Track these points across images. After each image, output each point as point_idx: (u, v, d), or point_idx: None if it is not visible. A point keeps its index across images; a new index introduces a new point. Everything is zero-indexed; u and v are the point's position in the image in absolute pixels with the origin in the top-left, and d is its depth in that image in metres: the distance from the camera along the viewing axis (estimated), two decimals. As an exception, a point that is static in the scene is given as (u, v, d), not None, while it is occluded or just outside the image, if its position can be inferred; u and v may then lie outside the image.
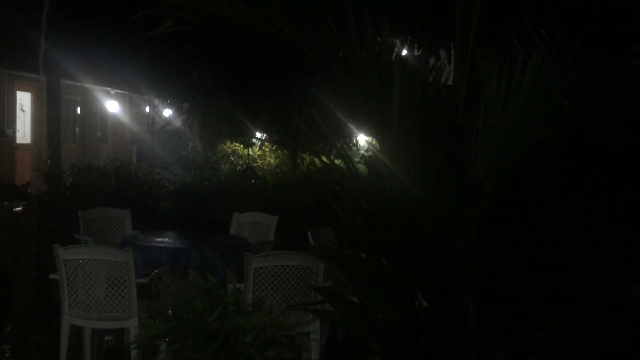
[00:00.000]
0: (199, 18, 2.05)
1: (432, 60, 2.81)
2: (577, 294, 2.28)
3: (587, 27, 2.49)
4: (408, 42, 3.06)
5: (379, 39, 2.42)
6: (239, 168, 12.36)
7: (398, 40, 3.04)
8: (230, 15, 2.00)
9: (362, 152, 11.20)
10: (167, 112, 15.49)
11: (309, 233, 5.27)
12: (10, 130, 12.31)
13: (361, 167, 2.71)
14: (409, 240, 2.25)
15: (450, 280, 2.30)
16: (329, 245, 4.87)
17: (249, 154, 12.82)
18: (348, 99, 2.51)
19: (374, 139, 2.77)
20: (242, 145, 12.94)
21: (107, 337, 5.41)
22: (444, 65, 2.56)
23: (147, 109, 18.02)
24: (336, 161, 2.74)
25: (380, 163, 2.47)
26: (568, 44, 2.42)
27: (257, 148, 13.03)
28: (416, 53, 2.96)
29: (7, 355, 4.38)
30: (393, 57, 2.39)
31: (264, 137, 12.84)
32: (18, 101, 12.83)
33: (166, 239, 5.50)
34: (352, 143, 11.58)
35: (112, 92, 16.26)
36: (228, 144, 13.02)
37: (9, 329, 4.32)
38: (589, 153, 2.39)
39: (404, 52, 3.06)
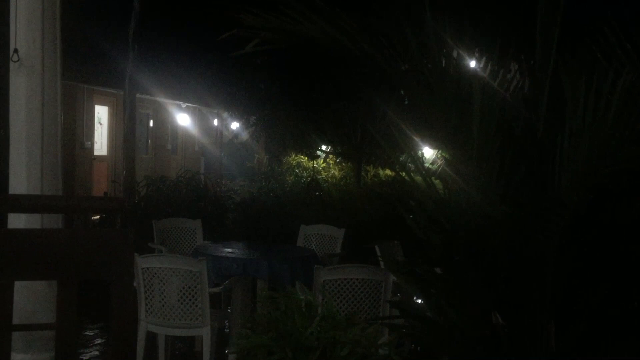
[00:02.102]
0: (282, 37, 2.12)
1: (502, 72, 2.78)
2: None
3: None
4: (476, 54, 3.05)
5: (457, 54, 2.42)
6: (303, 180, 12.48)
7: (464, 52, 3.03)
8: (312, 34, 2.07)
9: (427, 164, 11.11)
10: (235, 125, 15.88)
11: (376, 247, 5.25)
12: (89, 143, 12.94)
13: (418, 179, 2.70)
14: (486, 256, 2.23)
15: (529, 297, 2.26)
16: (399, 259, 4.85)
17: (313, 167, 12.94)
18: (425, 114, 2.52)
19: (449, 154, 2.76)
20: (306, 158, 13.08)
21: (178, 344, 5.56)
22: (521, 83, 2.53)
23: (216, 122, 18.52)
24: (403, 174, 2.74)
25: (453, 178, 2.46)
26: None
27: (322, 160, 13.13)
28: (482, 64, 2.93)
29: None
30: (471, 72, 2.38)
31: (328, 150, 12.93)
32: (96, 114, 13.48)
33: (236, 249, 5.61)
34: (418, 156, 11.50)
35: (183, 105, 16.82)
36: (293, 156, 13.20)
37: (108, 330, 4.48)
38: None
39: (472, 64, 3.04)
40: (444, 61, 2.27)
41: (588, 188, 1.94)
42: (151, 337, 4.69)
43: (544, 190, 2.08)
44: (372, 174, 11.76)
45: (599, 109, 1.83)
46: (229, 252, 5.40)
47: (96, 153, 13.39)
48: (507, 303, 2.34)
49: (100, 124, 13.80)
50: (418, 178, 2.64)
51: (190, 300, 4.41)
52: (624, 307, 2.13)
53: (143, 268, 4.40)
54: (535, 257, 2.11)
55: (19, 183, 3.17)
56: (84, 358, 4.93)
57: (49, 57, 3.10)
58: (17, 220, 2.88)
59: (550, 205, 2.00)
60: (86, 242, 1.37)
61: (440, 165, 2.73)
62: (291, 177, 12.70)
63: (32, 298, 3.11)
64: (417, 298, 4.57)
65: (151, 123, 16.18)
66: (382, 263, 5.03)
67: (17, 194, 2.95)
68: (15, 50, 3.16)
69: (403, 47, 2.24)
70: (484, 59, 2.60)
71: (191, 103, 16.94)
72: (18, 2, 3.13)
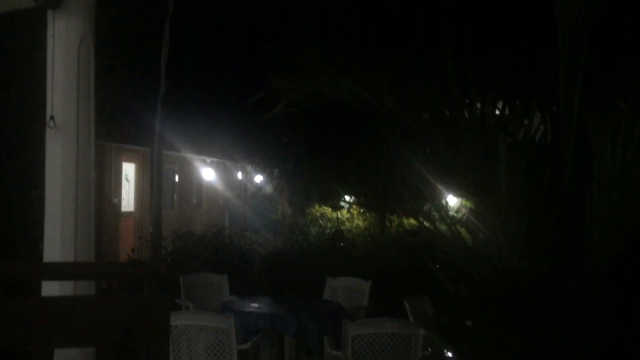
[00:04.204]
0: (309, 98, 2.18)
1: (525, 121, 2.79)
2: None
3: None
4: (500, 103, 3.07)
5: (479, 105, 2.45)
6: (327, 231, 12.46)
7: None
8: (339, 94, 2.12)
9: (451, 213, 11.00)
10: (259, 178, 16.03)
11: (405, 302, 5.17)
12: (116, 199, 13.15)
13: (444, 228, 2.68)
14: (520, 310, 2.19)
15: (566, 350, 2.21)
16: (428, 313, 4.77)
17: (337, 217, 12.92)
18: (449, 165, 2.53)
19: (474, 204, 2.75)
20: (330, 209, 13.08)
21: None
22: (546, 132, 2.54)
23: (240, 176, 18.73)
24: (427, 224, 2.73)
25: (482, 230, 2.45)
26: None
27: (346, 211, 13.11)
28: (507, 113, 2.94)
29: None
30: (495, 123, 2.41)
31: (351, 200, 12.93)
32: (123, 171, 13.75)
33: (263, 304, 5.60)
34: (442, 204, 11.42)
35: (208, 160, 17.08)
36: (317, 207, 13.21)
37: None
38: None
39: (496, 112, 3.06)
40: (467, 112, 2.30)
41: (622, 240, 1.91)
42: (179, 396, 4.63)
43: (575, 242, 2.06)
44: (396, 223, 11.69)
45: (627, 161, 1.82)
46: (256, 308, 5.38)
47: (123, 209, 13.57)
48: (542, 357, 2.28)
49: (128, 181, 14.04)
50: (443, 227, 2.63)
51: (218, 357, 4.38)
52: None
53: (171, 326, 4.40)
54: (570, 310, 2.07)
55: (53, 247, 3.25)
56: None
57: (83, 123, 3.21)
58: (50, 286, 2.94)
59: (583, 258, 1.97)
60: (123, 308, 1.39)
61: (465, 214, 2.72)
62: (315, 228, 12.69)
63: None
64: (448, 352, 4.47)
65: (177, 178, 16.41)
66: (411, 316, 4.95)
67: (53, 262, 3.00)
68: (52, 117, 3.28)
69: (427, 100, 2.28)
70: (507, 108, 2.62)
71: (216, 157, 17.19)
72: (55, 69, 3.28)
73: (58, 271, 1.52)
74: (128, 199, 14.02)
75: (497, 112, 2.67)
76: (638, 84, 2.16)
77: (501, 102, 2.59)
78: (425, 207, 11.32)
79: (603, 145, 1.93)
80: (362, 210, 12.71)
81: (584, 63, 2.29)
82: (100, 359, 1.32)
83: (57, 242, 3.18)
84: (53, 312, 1.23)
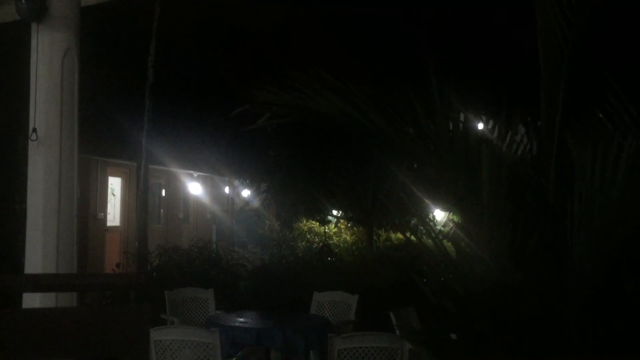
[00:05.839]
0: (294, 111, 2.19)
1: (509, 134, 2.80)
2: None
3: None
4: (483, 117, 3.10)
5: (464, 117, 2.47)
6: (315, 246, 12.43)
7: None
8: (323, 108, 2.13)
9: (439, 227, 11.03)
10: (246, 193, 15.99)
11: (391, 314, 5.17)
12: (102, 214, 13.04)
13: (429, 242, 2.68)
14: (505, 324, 2.20)
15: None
16: (415, 326, 4.76)
17: (325, 232, 12.90)
18: (434, 179, 2.54)
19: (460, 217, 2.76)
20: (318, 223, 13.06)
21: (191, 419, 5.41)
22: (529, 146, 2.56)
23: (227, 190, 18.67)
24: (413, 238, 2.74)
25: (467, 244, 2.46)
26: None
27: (333, 225, 13.10)
28: (490, 127, 2.96)
29: None
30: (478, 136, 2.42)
31: (339, 215, 12.93)
32: (109, 186, 13.64)
33: (249, 319, 5.56)
34: (429, 218, 11.47)
35: (195, 174, 17.02)
36: (304, 221, 13.17)
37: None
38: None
39: (480, 126, 3.08)
40: (451, 125, 2.31)
41: (604, 255, 1.91)
42: (163, 413, 4.57)
43: (559, 257, 2.07)
44: (384, 237, 11.70)
45: (606, 175, 1.84)
46: (242, 322, 5.34)
47: (109, 224, 13.45)
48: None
49: (114, 195, 13.93)
50: (429, 241, 2.64)
51: (203, 373, 4.32)
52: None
53: (155, 341, 4.35)
54: (556, 325, 2.08)
55: (35, 260, 3.21)
56: None
57: (66, 136, 3.20)
58: (31, 298, 2.90)
59: (566, 274, 1.98)
60: (102, 320, 1.38)
61: (452, 227, 2.74)
62: (303, 243, 12.66)
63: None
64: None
65: (163, 192, 16.32)
66: (397, 330, 4.94)
67: (34, 273, 2.97)
68: (34, 130, 3.26)
69: (411, 116, 2.29)
70: (491, 121, 2.64)
71: (203, 172, 17.13)
72: (38, 82, 3.26)
73: (38, 282, 1.50)
74: (114, 214, 13.90)
75: (481, 125, 2.68)
76: (618, 98, 2.19)
77: (484, 115, 2.61)
78: (412, 222, 11.34)
79: (583, 158, 1.94)
80: (349, 225, 12.72)
81: (565, 78, 2.32)
82: (79, 373, 1.30)
83: (39, 254, 3.15)
84: (30, 323, 1.22)
